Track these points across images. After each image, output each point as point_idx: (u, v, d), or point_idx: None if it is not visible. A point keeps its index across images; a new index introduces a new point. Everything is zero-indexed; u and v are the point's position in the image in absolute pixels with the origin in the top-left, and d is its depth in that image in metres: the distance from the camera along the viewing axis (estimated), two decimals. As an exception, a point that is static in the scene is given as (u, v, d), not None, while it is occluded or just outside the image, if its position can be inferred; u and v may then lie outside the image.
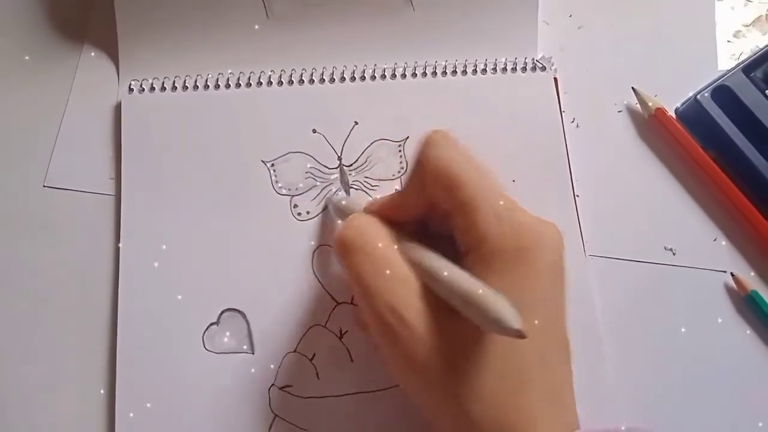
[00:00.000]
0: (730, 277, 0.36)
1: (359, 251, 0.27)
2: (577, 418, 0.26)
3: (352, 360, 0.33)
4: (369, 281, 0.27)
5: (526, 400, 0.25)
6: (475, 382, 0.25)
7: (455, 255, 0.27)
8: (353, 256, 0.27)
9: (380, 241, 0.28)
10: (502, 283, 0.25)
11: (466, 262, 0.27)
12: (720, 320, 0.36)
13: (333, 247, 0.29)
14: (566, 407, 0.26)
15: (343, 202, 0.33)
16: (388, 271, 0.26)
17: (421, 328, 0.25)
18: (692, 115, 0.39)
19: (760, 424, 0.34)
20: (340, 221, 0.33)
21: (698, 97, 0.38)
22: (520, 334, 0.22)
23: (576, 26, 0.41)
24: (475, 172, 0.27)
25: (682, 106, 0.39)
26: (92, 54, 0.38)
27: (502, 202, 0.27)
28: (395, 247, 0.28)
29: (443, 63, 0.38)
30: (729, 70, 0.39)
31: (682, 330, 0.35)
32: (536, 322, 0.25)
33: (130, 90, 0.36)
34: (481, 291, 0.24)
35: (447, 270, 0.26)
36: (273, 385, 0.32)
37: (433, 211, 0.28)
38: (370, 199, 0.33)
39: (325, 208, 0.35)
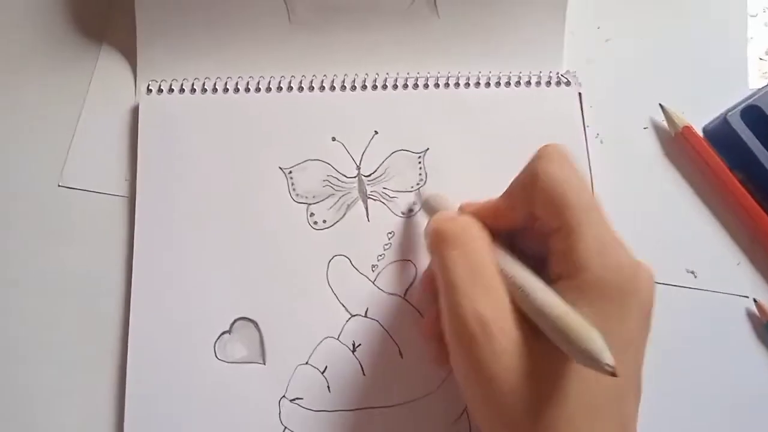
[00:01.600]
0: (753, 302, 0.35)
1: (459, 247, 0.26)
2: None
3: (364, 374, 0.33)
4: (460, 282, 0.25)
5: None
6: (548, 409, 0.24)
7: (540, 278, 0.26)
8: (450, 250, 0.26)
9: (481, 243, 0.26)
10: (592, 318, 0.24)
11: (556, 287, 0.25)
12: (740, 346, 0.35)
13: (427, 238, 0.28)
14: None
15: (435, 200, 0.32)
16: (481, 277, 0.25)
17: (502, 342, 0.24)
18: (720, 134, 0.38)
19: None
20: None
21: (728, 116, 0.37)
22: (612, 371, 0.21)
23: (604, 39, 0.40)
24: (586, 196, 0.26)
25: (710, 124, 0.38)
26: (111, 54, 0.37)
27: (607, 235, 0.25)
28: (492, 254, 0.26)
29: (466, 74, 0.38)
30: (760, 89, 0.38)
31: (701, 354, 0.35)
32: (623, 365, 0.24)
33: (149, 91, 0.36)
34: (574, 318, 0.23)
35: (540, 290, 0.25)
36: (284, 396, 0.32)
37: (530, 227, 0.27)
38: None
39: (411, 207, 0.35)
